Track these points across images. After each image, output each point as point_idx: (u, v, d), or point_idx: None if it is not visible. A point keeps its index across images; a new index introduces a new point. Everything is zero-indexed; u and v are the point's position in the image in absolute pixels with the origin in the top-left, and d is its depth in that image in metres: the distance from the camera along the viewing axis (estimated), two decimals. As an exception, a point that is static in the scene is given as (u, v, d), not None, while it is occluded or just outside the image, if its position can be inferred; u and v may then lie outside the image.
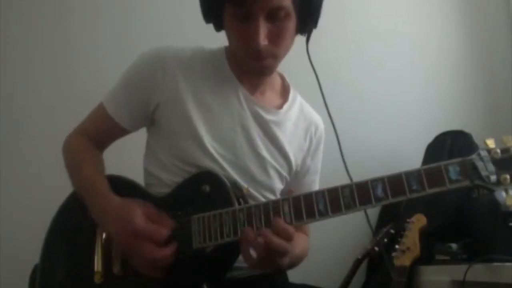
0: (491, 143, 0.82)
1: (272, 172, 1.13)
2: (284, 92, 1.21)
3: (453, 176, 0.81)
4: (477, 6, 2.71)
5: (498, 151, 0.80)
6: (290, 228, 0.88)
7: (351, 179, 1.02)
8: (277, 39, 1.00)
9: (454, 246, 1.80)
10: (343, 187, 0.87)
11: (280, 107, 1.17)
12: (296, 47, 1.09)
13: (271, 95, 1.18)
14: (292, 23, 1.01)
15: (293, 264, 1.07)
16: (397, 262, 1.66)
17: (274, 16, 0.97)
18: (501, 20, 2.70)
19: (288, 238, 0.88)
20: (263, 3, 0.94)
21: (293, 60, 1.14)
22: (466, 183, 0.81)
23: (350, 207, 0.86)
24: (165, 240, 0.92)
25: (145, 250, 0.91)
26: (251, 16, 0.96)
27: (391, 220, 1.94)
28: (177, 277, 0.97)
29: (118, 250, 1.01)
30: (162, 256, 0.91)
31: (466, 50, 2.67)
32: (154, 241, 0.91)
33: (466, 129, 2.21)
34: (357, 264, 1.85)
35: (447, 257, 1.80)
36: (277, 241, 0.87)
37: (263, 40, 0.96)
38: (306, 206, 0.89)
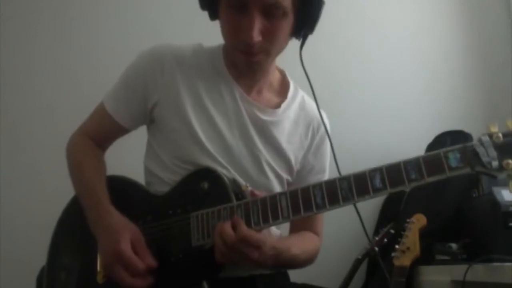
0: (494, 128, 0.80)
1: (269, 173, 1.12)
2: (283, 90, 1.19)
3: (453, 163, 0.79)
4: (477, 6, 2.71)
5: (500, 135, 0.78)
6: (248, 232, 0.88)
7: None
8: (271, 36, 0.99)
9: (454, 246, 1.79)
10: (341, 179, 0.86)
11: (278, 106, 1.15)
12: (293, 47, 1.08)
13: (268, 94, 1.17)
14: (288, 24, 1.00)
15: (289, 265, 1.07)
16: (397, 262, 1.66)
17: (271, 13, 0.96)
18: (501, 20, 2.70)
19: (248, 244, 0.88)
20: None
21: (289, 60, 1.13)
22: (466, 170, 0.78)
23: (348, 199, 0.85)
24: (139, 273, 0.94)
25: (119, 274, 0.94)
26: (247, 9, 0.95)
27: (391, 220, 1.94)
28: (177, 275, 0.97)
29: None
30: (129, 285, 0.94)
31: (466, 50, 2.66)
32: (130, 270, 0.94)
33: (466, 129, 2.21)
34: (357, 264, 1.84)
35: (447, 257, 1.80)
36: (247, 250, 0.88)
37: (256, 36, 0.96)
38: (304, 200, 0.88)
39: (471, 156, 0.78)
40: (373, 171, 0.84)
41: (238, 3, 0.96)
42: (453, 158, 0.79)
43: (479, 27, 2.69)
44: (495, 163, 0.77)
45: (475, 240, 1.77)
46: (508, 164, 0.76)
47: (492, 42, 2.67)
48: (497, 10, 2.71)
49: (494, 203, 1.76)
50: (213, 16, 1.05)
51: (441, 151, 0.80)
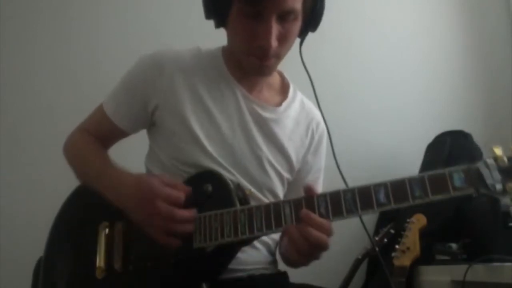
0: (498, 151, 0.80)
1: (271, 173, 1.12)
2: (283, 90, 1.21)
3: (458, 183, 0.80)
4: (477, 6, 2.71)
5: (505, 159, 0.79)
6: (325, 223, 0.87)
7: (345, 181, 1.02)
8: (284, 40, 1.00)
9: (454, 246, 1.80)
10: (345, 191, 0.87)
11: (279, 104, 1.16)
12: (293, 47, 1.08)
13: (269, 94, 1.17)
14: (297, 26, 1.02)
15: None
16: (397, 262, 1.66)
17: (284, 18, 0.97)
18: (501, 20, 2.70)
19: (327, 233, 0.87)
20: (278, 5, 0.94)
21: (290, 61, 1.14)
22: (470, 191, 0.80)
23: (351, 211, 0.85)
24: (183, 204, 0.93)
25: (164, 209, 0.92)
26: (263, 16, 0.95)
27: (391, 220, 1.95)
28: (177, 276, 0.97)
29: (120, 246, 1.02)
30: (180, 216, 0.92)
31: (466, 50, 2.67)
32: (173, 202, 0.92)
33: (466, 129, 2.21)
34: (357, 264, 1.85)
35: (447, 257, 1.80)
36: (317, 234, 0.86)
37: (274, 41, 0.97)
38: (307, 209, 0.88)
39: (476, 178, 0.79)
40: (378, 185, 0.84)
41: (253, 10, 0.95)
42: (458, 179, 0.80)
43: (479, 27, 2.69)
44: (499, 186, 0.78)
45: (475, 240, 1.77)
46: (511, 187, 0.77)
47: (492, 42, 2.67)
48: (497, 10, 2.71)
49: (494, 203, 1.76)
50: (221, 24, 1.04)
51: (446, 170, 0.81)
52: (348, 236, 2.01)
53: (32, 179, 1.83)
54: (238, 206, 0.95)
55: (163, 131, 1.11)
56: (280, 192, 1.16)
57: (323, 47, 2.19)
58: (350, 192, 0.86)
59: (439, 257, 1.83)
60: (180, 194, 0.94)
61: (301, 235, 0.86)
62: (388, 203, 0.83)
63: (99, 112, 1.16)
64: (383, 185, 0.84)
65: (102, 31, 2.04)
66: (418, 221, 1.72)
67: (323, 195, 0.88)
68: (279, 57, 1.04)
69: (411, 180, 0.82)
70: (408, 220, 1.74)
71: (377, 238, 1.84)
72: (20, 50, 1.93)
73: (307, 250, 0.87)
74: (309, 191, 0.90)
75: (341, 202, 0.86)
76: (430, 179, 0.81)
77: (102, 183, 1.06)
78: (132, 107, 1.12)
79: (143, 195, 0.94)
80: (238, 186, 1.02)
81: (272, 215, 0.91)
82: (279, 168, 1.14)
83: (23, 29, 1.95)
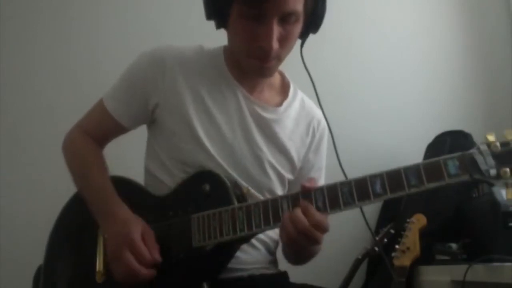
0: (491, 137, 0.82)
1: (271, 173, 1.12)
2: (284, 89, 1.21)
3: (452, 170, 0.81)
4: (477, 6, 2.71)
5: (498, 144, 0.80)
6: (321, 217, 0.87)
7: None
8: (285, 42, 1.00)
9: (454, 246, 1.80)
10: (342, 183, 0.87)
11: (280, 104, 1.16)
12: (294, 47, 1.08)
13: (269, 94, 1.17)
14: (299, 28, 1.02)
15: (316, 252, 1.08)
16: (397, 262, 1.66)
17: (286, 20, 0.97)
18: (501, 20, 2.70)
19: (317, 224, 0.87)
20: (279, 7, 0.94)
21: (290, 61, 1.14)
22: (465, 177, 0.80)
23: (349, 203, 0.86)
24: (148, 264, 0.95)
25: (127, 258, 0.94)
26: (264, 18, 0.95)
27: (391, 220, 1.95)
28: (177, 276, 0.97)
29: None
30: (141, 274, 0.94)
31: (466, 50, 2.66)
32: (137, 258, 0.94)
33: (466, 129, 2.21)
34: (357, 264, 1.85)
35: (447, 257, 1.80)
36: (305, 222, 0.86)
37: (275, 43, 0.97)
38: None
39: (470, 164, 0.80)
40: (374, 176, 0.85)
41: (254, 12, 0.95)
42: (452, 166, 0.81)
43: (479, 27, 2.69)
44: (493, 171, 0.79)
45: (475, 240, 1.77)
46: (505, 172, 0.78)
47: (492, 42, 2.67)
48: (497, 10, 2.71)
49: (494, 203, 1.76)
50: (221, 25, 1.04)
51: (441, 158, 0.82)
52: (348, 236, 2.01)
53: (32, 179, 1.83)
54: (236, 204, 0.95)
55: (163, 130, 1.11)
56: (280, 192, 1.15)
57: (323, 47, 2.19)
58: (347, 185, 0.86)
59: (439, 257, 1.83)
60: (148, 258, 0.95)
61: (290, 220, 0.87)
62: (384, 193, 0.84)
63: (99, 108, 1.16)
64: (379, 176, 0.85)
65: (102, 31, 2.04)
66: (418, 221, 1.72)
67: (320, 189, 0.89)
68: (280, 58, 1.04)
69: (406, 169, 0.83)
70: (408, 220, 1.74)
71: (377, 238, 1.85)
72: (20, 50, 1.93)
73: (296, 238, 0.87)
74: (305, 187, 0.91)
75: (338, 195, 0.87)
76: (425, 167, 0.82)
77: (96, 200, 1.07)
78: (132, 104, 1.12)
79: (123, 238, 0.96)
80: (235, 184, 1.03)
81: (270, 211, 0.91)
82: (280, 168, 1.14)
83: (23, 29, 1.95)
